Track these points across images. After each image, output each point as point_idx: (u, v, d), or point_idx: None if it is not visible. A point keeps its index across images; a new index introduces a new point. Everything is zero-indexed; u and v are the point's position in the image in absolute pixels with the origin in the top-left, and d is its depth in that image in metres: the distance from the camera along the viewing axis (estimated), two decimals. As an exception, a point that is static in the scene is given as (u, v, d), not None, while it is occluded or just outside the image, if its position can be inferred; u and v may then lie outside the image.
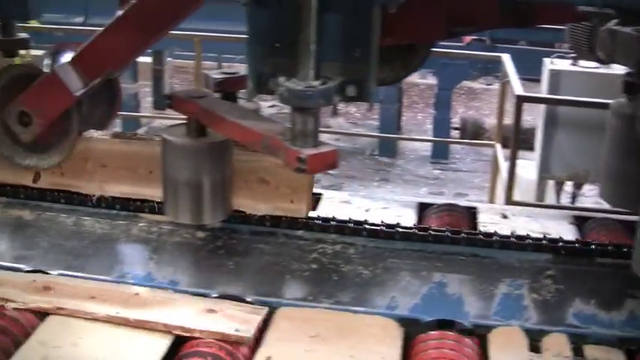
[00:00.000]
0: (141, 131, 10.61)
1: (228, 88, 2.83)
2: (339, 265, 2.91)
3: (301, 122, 2.00)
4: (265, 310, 2.58)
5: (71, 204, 3.18)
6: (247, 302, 2.63)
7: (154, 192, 3.01)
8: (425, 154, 10.71)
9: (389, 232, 3.01)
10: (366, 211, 3.38)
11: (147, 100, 11.83)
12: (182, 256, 2.96)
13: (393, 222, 3.06)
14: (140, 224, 3.11)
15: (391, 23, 2.20)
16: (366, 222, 3.05)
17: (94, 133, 3.12)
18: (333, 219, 3.06)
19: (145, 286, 2.74)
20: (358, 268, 2.89)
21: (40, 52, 3.72)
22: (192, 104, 2.67)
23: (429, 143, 10.57)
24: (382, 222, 3.05)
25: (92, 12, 10.58)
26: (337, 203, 3.48)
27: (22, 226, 3.15)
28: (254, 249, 2.97)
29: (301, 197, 2.91)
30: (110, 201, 3.15)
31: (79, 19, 10.73)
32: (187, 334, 2.43)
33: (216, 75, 2.85)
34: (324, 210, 3.34)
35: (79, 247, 3.02)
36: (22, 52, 3.61)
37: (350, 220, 3.06)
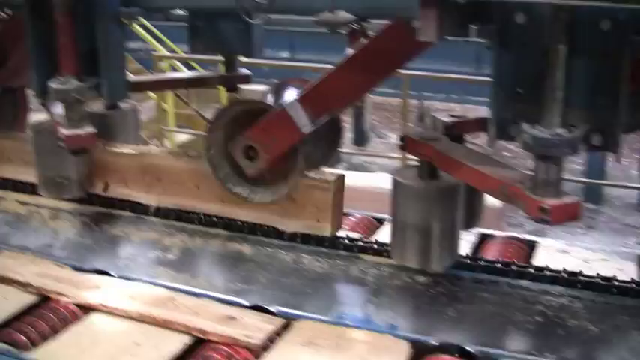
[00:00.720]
0: (341, 167, 11.08)
1: (457, 131, 3.01)
2: (564, 319, 2.97)
3: (544, 171, 2.13)
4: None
5: (292, 241, 3.49)
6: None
7: (202, 205, 3.52)
8: (631, 201, 10.41)
9: (621, 288, 3.03)
10: (585, 262, 3.42)
11: (348, 137, 12.32)
12: (402, 300, 3.15)
13: (611, 275, 3.08)
14: (360, 265, 3.32)
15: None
16: (598, 276, 3.09)
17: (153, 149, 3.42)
18: (562, 270, 3.13)
19: (363, 328, 2.97)
20: (585, 324, 2.94)
21: (250, 87, 4.15)
22: (427, 147, 2.86)
23: (636, 191, 10.26)
24: (614, 277, 3.07)
25: (298, 48, 11.42)
26: (554, 252, 3.55)
27: (241, 260, 3.49)
28: (476, 297, 3.10)
29: (326, 216, 3.22)
30: (331, 241, 3.41)
31: (285, 54, 11.59)
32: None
33: (445, 118, 3.05)
34: (541, 259, 3.42)
35: (298, 285, 3.32)
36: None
37: (579, 273, 3.11)
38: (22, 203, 4.06)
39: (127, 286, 3.28)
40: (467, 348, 2.76)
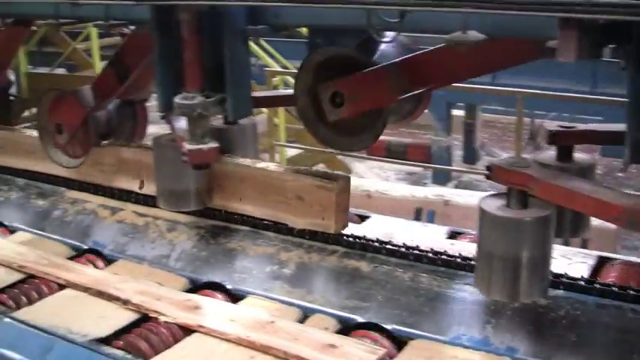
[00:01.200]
0: (450, 185, 11.16)
1: (562, 142, 3.07)
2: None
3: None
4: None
5: (407, 259, 3.64)
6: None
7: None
8: None
9: None
10: None
11: (457, 154, 12.39)
12: (521, 323, 3.23)
13: None
14: (479, 285, 3.44)
15: None
16: None
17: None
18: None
19: (480, 350, 3.09)
20: None
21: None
22: (519, 175, 2.91)
23: None
24: None
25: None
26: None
27: (358, 277, 3.65)
28: (599, 323, 3.15)
29: (330, 215, 3.60)
30: (449, 261, 3.55)
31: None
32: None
33: (551, 127, 3.11)
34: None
35: (415, 304, 3.45)
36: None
37: None
38: (140, 214, 4.37)
39: (227, 307, 3.47)
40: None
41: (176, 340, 3.27)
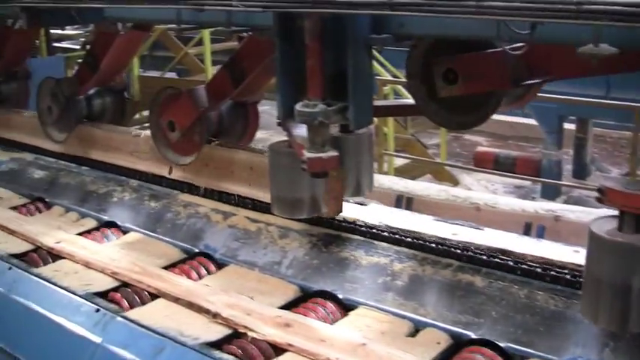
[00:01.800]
0: (559, 200, 10.97)
1: None
2: None
3: None
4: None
5: (527, 276, 3.60)
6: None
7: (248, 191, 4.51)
8: None
9: None
10: None
11: (567, 169, 12.17)
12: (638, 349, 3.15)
13: None
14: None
15: None
16: None
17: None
18: None
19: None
20: None
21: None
22: (634, 197, 2.82)
23: None
24: None
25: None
26: None
27: (472, 292, 3.63)
28: None
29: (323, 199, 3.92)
30: (570, 280, 3.49)
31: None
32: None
33: None
34: None
35: (530, 322, 3.41)
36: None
37: None
38: (252, 220, 4.46)
39: (317, 326, 3.46)
40: None
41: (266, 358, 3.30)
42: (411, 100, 3.72)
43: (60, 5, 4.01)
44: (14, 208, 5.38)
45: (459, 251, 3.79)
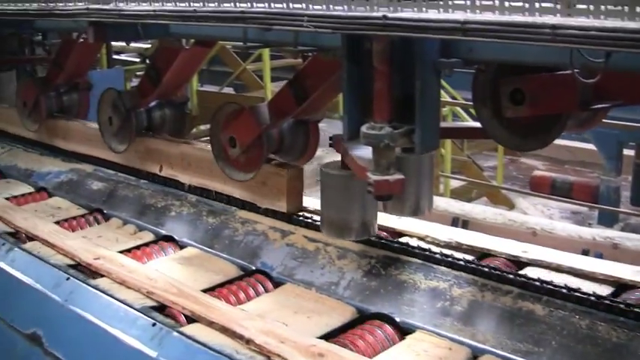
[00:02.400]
0: (616, 227, 10.84)
1: None
2: None
3: None
4: None
5: (589, 306, 3.57)
6: None
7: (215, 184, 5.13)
8: None
9: None
10: None
11: (624, 195, 12.03)
12: None
13: None
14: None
15: None
16: None
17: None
18: None
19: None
20: None
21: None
22: None
23: None
24: None
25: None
26: None
27: (532, 320, 3.60)
28: None
29: (282, 197, 4.65)
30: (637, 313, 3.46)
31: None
32: None
33: None
34: None
35: (592, 353, 3.38)
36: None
37: None
38: (310, 239, 4.49)
39: (351, 357, 3.42)
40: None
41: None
42: (475, 123, 3.72)
43: (127, 21, 4.07)
44: (73, 219, 5.49)
45: (520, 279, 3.77)
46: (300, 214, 4.69)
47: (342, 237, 4.17)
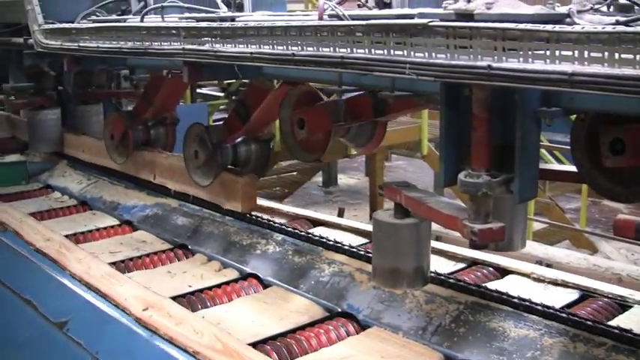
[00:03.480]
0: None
1: None
2: None
3: None
4: None
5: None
6: None
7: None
8: None
9: None
10: None
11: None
12: None
13: None
14: None
15: None
16: None
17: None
18: None
19: None
20: None
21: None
22: None
23: None
24: None
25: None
26: None
27: (627, 375, 3.59)
28: None
29: (237, 199, 5.71)
30: None
31: None
32: None
33: None
34: None
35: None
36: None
37: None
38: (398, 283, 4.50)
39: None
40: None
41: None
42: (571, 167, 3.70)
43: (224, 62, 4.17)
44: (155, 254, 5.60)
45: (613, 330, 3.72)
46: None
47: (394, 287, 4.20)
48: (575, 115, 3.48)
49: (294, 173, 12.35)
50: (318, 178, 15.23)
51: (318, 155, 4.92)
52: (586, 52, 2.57)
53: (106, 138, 7.06)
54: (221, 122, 6.22)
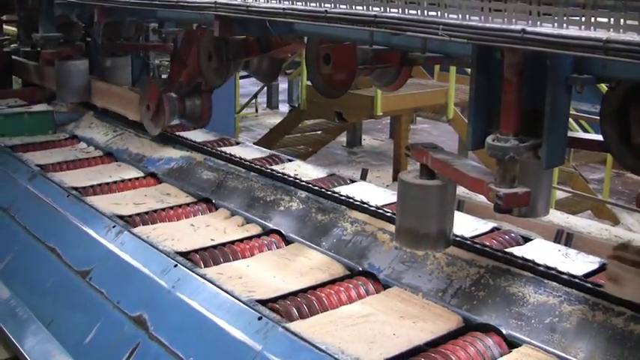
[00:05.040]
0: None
1: None
2: None
3: None
4: None
5: None
6: None
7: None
8: None
9: None
10: None
11: None
12: None
13: None
14: None
15: None
16: None
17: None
18: None
19: None
20: None
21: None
22: None
23: None
24: None
25: None
26: None
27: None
28: None
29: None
30: None
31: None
32: None
33: None
34: None
35: None
36: None
37: None
38: (420, 245, 4.52)
39: None
40: None
41: None
42: (598, 136, 3.69)
43: (256, 17, 4.17)
44: (179, 206, 5.65)
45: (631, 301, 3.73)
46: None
47: (417, 248, 4.23)
48: (606, 86, 3.46)
49: (319, 132, 12.33)
50: (343, 138, 15.21)
51: (340, 93, 4.97)
52: (622, 20, 2.55)
53: (142, 108, 7.05)
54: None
